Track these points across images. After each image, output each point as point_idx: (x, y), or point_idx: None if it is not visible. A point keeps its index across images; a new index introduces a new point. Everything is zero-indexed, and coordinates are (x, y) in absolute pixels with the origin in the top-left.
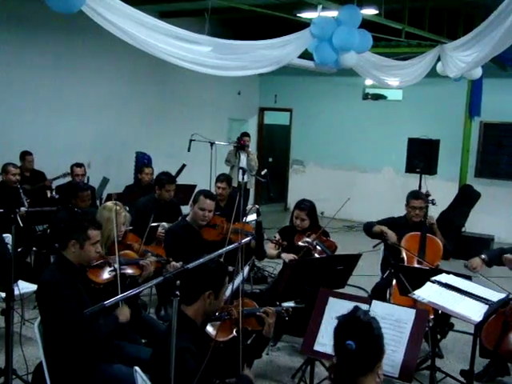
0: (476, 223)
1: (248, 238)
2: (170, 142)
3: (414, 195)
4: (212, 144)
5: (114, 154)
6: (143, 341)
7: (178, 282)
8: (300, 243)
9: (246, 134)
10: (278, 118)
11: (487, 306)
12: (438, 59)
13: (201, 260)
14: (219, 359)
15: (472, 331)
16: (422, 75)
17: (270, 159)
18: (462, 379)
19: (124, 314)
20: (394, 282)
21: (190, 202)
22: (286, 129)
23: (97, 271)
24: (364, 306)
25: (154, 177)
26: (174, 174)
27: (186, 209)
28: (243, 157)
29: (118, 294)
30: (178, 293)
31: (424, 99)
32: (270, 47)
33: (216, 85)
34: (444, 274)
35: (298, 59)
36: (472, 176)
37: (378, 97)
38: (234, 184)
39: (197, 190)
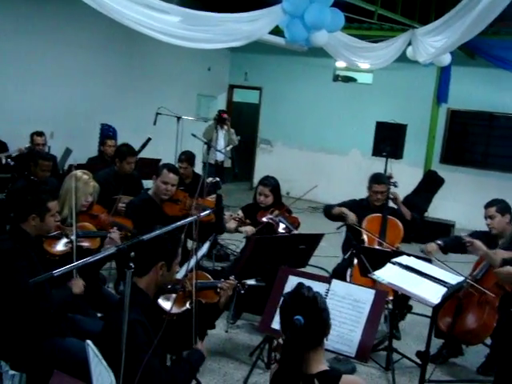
0: (438, 209)
1: (206, 212)
2: (136, 115)
3: (377, 180)
4: (179, 118)
5: (78, 125)
6: (99, 315)
7: (133, 253)
8: (263, 219)
9: (223, 111)
10: (247, 95)
11: (445, 289)
12: (409, 44)
13: (157, 232)
14: (172, 332)
15: (428, 313)
16: (392, 59)
17: (238, 137)
18: (417, 360)
19: (78, 285)
20: (355, 262)
21: (154, 176)
22: (255, 107)
23: (53, 242)
24: (324, 286)
25: None
26: (138, 147)
27: (149, 183)
28: (221, 133)
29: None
30: (132, 265)
31: (393, 84)
32: (241, 21)
33: (186, 59)
34: (405, 256)
35: (268, 35)
36: (437, 162)
37: (348, 79)
38: (211, 161)
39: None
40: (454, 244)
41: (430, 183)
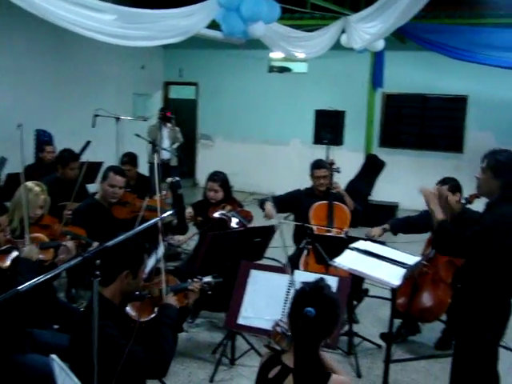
0: (381, 191)
1: (169, 212)
2: (72, 118)
3: (317, 165)
4: (117, 119)
5: (12, 132)
6: (56, 327)
7: (98, 261)
8: (215, 215)
9: (166, 108)
10: (183, 92)
11: (404, 270)
12: (343, 31)
13: (121, 237)
14: (141, 339)
15: (383, 295)
16: (328, 47)
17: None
18: (378, 342)
19: (33, 251)
20: (305, 252)
21: (100, 180)
22: (192, 103)
23: (3, 257)
24: (287, 277)
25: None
26: (78, 151)
27: (92, 187)
28: (165, 132)
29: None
30: (98, 273)
31: (329, 71)
32: (178, 16)
33: (119, 59)
34: (361, 241)
35: (206, 29)
36: (376, 146)
37: (283, 69)
38: (159, 161)
39: (103, 166)
40: (402, 224)
41: (372, 167)
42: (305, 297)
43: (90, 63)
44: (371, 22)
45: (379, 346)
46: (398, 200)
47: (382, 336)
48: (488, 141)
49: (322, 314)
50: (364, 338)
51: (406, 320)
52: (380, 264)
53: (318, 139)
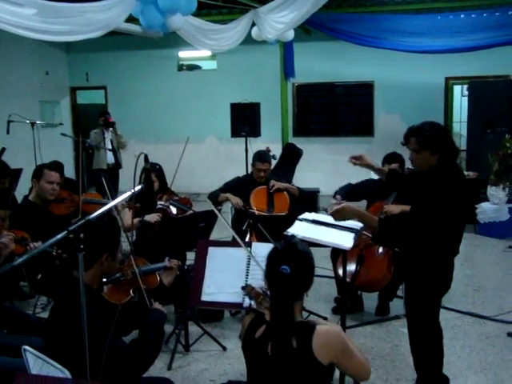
0: (301, 179)
1: (139, 187)
2: None
3: (260, 158)
4: (33, 124)
5: None
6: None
7: (82, 235)
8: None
9: (106, 113)
10: (91, 97)
11: (353, 234)
12: (253, 25)
13: (100, 211)
14: (119, 320)
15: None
16: (241, 39)
17: (89, 140)
18: (323, 315)
19: None
20: (249, 233)
21: (33, 180)
22: (101, 107)
23: None
24: (245, 250)
25: None
26: None
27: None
28: (108, 138)
29: None
30: (82, 246)
31: (239, 65)
32: (96, 10)
33: (21, 65)
34: (307, 213)
35: (125, 24)
36: (291, 136)
37: (192, 67)
38: (104, 166)
39: (23, 173)
40: (349, 192)
41: (290, 155)
42: (279, 255)
43: None
44: (283, 12)
45: (325, 319)
46: (318, 185)
47: (336, 300)
48: (396, 123)
49: (297, 270)
50: (311, 312)
51: (350, 293)
52: (330, 231)
53: (236, 132)
